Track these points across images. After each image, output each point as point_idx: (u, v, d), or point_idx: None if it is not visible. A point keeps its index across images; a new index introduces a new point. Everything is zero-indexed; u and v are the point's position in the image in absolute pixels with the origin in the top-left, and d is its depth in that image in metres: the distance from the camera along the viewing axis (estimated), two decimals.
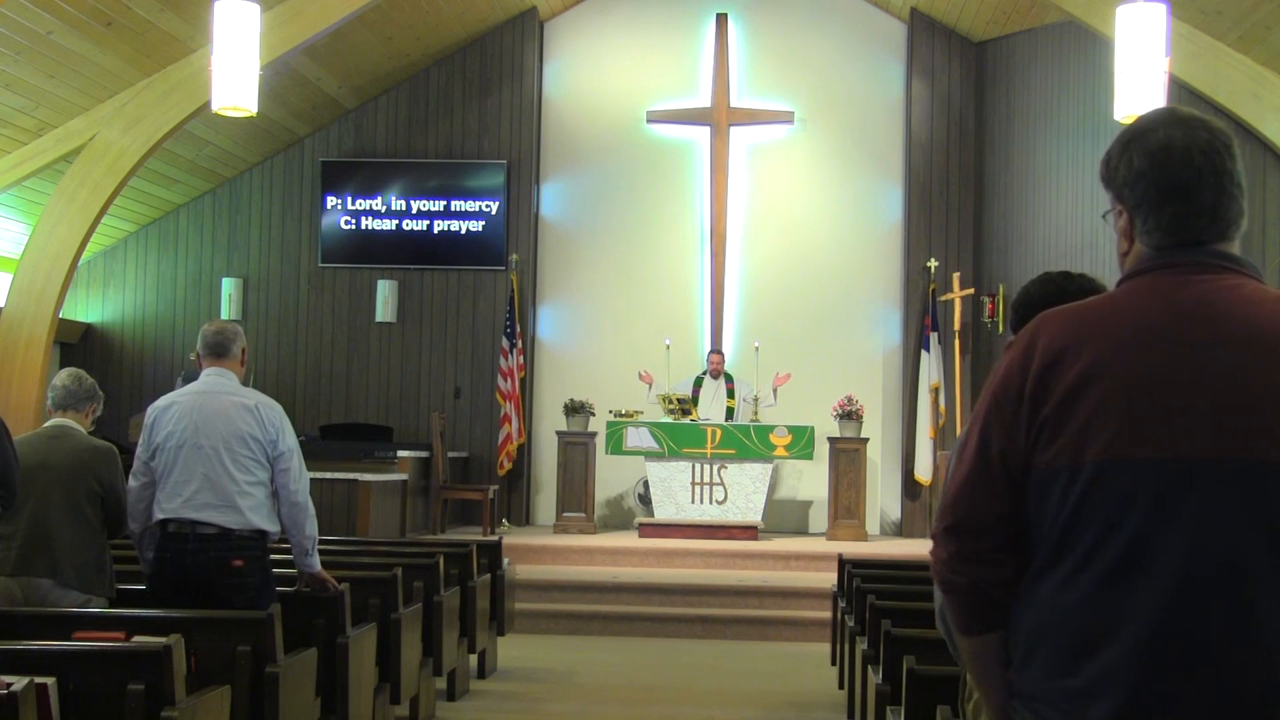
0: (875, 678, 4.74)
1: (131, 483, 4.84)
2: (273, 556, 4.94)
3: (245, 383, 5.03)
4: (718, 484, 11.58)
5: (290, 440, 4.85)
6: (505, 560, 8.07)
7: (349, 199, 13.07)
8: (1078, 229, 11.23)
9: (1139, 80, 7.98)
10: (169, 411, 4.83)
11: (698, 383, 12.03)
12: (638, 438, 11.61)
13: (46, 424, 5.03)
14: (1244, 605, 1.70)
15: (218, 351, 4.94)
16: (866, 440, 11.81)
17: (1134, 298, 1.86)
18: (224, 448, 4.73)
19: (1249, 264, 1.87)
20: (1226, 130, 1.90)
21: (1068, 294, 2.80)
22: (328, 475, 9.73)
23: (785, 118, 12.94)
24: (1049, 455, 1.80)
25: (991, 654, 1.90)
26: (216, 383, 4.88)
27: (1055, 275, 2.88)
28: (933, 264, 12.55)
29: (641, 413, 11.80)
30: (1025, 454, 1.83)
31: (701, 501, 11.57)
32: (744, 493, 11.57)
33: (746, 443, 11.53)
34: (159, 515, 4.74)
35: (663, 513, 11.58)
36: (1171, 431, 1.75)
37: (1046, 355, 1.83)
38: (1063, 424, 1.80)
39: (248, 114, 8.44)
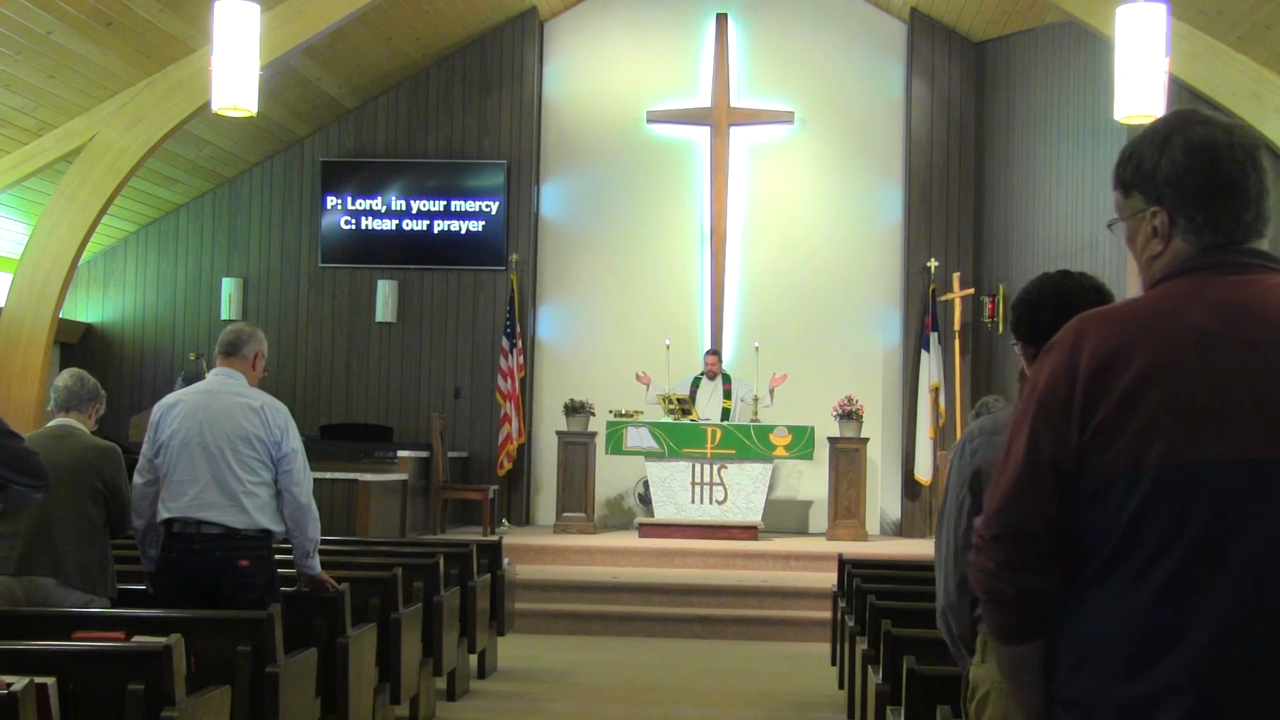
0: (875, 678, 4.73)
1: (136, 480, 4.84)
2: (276, 557, 4.94)
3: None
4: (718, 484, 11.58)
5: (294, 442, 4.85)
6: (505, 560, 8.07)
7: (349, 199, 13.07)
8: (1078, 229, 11.23)
9: (1139, 80, 7.98)
10: (174, 410, 4.83)
11: (695, 383, 12.02)
12: (638, 438, 11.61)
13: (50, 424, 5.03)
14: None
15: (228, 350, 4.94)
16: (866, 440, 11.81)
17: (1181, 298, 1.81)
18: (229, 447, 4.72)
19: None
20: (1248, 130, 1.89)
21: (1067, 291, 2.80)
22: (328, 475, 9.73)
23: (785, 118, 12.94)
24: (1105, 460, 1.75)
25: (1033, 662, 1.85)
26: (224, 383, 4.88)
27: (1053, 274, 2.87)
28: (933, 264, 12.55)
29: (641, 413, 11.79)
30: (1077, 459, 1.78)
31: (701, 501, 11.56)
32: (744, 493, 11.56)
33: (746, 443, 11.52)
34: (164, 514, 4.74)
35: (663, 513, 11.58)
36: (1237, 433, 1.71)
37: (1097, 357, 1.77)
38: (1120, 427, 1.74)
39: (248, 114, 8.43)
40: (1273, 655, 1.67)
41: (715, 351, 12.26)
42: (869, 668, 5.06)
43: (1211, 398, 1.72)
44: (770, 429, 11.54)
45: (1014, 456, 1.84)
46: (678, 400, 11.69)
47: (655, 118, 13.02)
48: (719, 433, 11.55)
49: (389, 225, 13.05)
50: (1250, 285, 1.80)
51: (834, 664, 7.23)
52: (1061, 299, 2.79)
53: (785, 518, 12.62)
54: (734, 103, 12.94)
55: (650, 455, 11.61)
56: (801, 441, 11.54)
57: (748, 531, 11.34)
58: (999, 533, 1.83)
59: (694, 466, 11.57)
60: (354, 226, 13.07)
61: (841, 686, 6.70)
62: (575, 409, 11.90)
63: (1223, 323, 1.77)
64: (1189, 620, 1.69)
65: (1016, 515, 1.82)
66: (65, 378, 5.03)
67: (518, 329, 12.52)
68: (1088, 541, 1.78)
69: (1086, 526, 1.78)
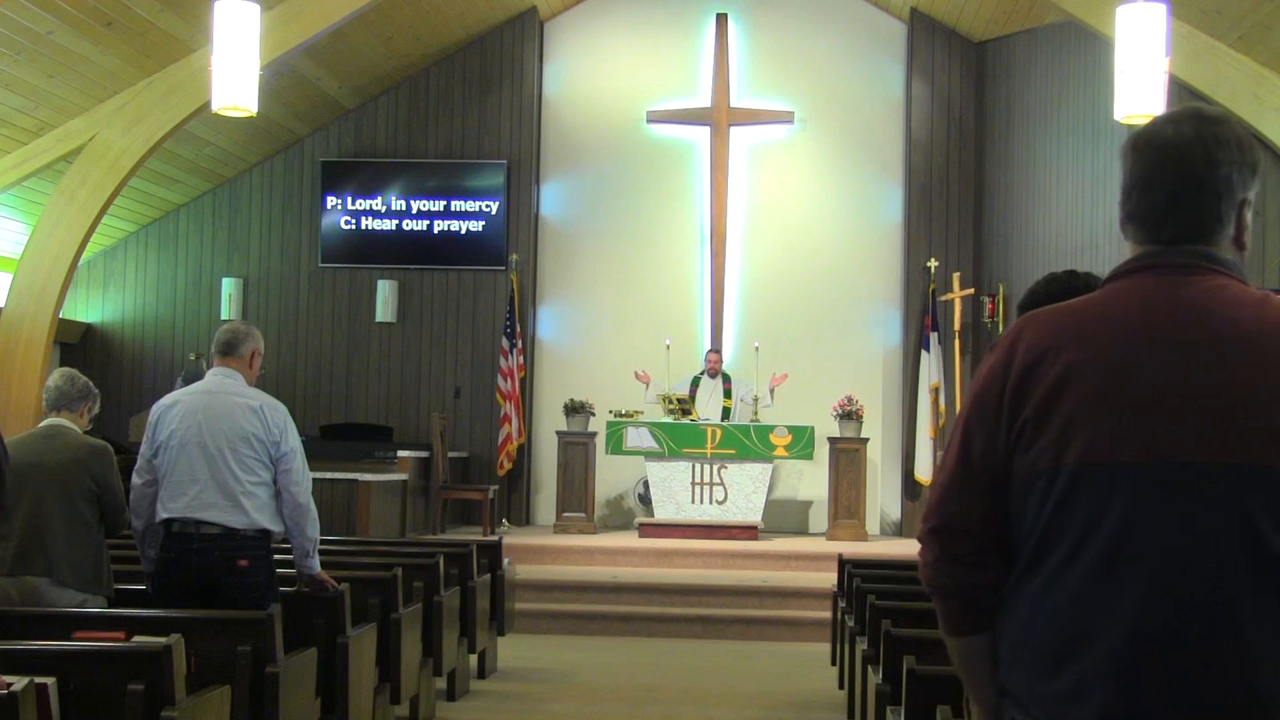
0: (875, 678, 4.73)
1: (135, 480, 4.83)
2: (275, 557, 4.94)
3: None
4: (718, 484, 11.58)
5: (293, 441, 4.85)
6: (505, 560, 8.07)
7: (349, 199, 13.07)
8: (1078, 229, 11.23)
9: (1139, 80, 7.98)
10: (173, 410, 4.83)
11: (695, 382, 12.02)
12: (638, 438, 11.61)
13: (41, 424, 5.03)
14: (1225, 608, 1.68)
15: (225, 350, 4.93)
16: (866, 440, 11.81)
17: (1117, 298, 1.85)
18: (228, 447, 4.72)
19: (1232, 264, 1.84)
20: (1227, 125, 1.85)
21: (1073, 292, 2.77)
22: (328, 475, 9.73)
23: (785, 118, 12.94)
24: (1029, 458, 1.79)
25: (980, 655, 1.89)
26: (222, 383, 4.87)
27: (1060, 275, 2.86)
28: (933, 264, 12.55)
29: (641, 413, 11.79)
30: (1006, 457, 1.82)
31: (701, 501, 11.56)
32: (744, 493, 11.56)
33: (746, 443, 11.52)
34: (162, 514, 4.74)
35: (663, 513, 11.57)
36: (1151, 434, 1.72)
37: (1028, 356, 1.81)
38: (1042, 427, 1.78)
39: (248, 114, 8.43)
40: (1185, 653, 1.69)
41: (716, 350, 12.29)
42: (869, 668, 5.06)
43: (1132, 398, 1.74)
44: (770, 429, 11.54)
45: (951, 452, 1.89)
46: (678, 400, 11.69)
47: (655, 118, 13.02)
48: (719, 433, 11.55)
49: (389, 225, 13.05)
50: (1193, 286, 1.81)
51: (834, 664, 7.23)
52: (1067, 299, 2.78)
53: (785, 518, 12.62)
54: (734, 103, 12.94)
55: (650, 455, 11.61)
56: (801, 441, 11.54)
57: (748, 531, 11.34)
58: (935, 526, 1.88)
59: (694, 466, 11.57)
60: (354, 226, 13.07)
61: (841, 686, 6.71)
62: (575, 409, 11.90)
63: (1157, 323, 1.78)
64: (1104, 617, 1.72)
65: (952, 510, 1.87)
66: (55, 377, 5.03)
67: (518, 329, 12.52)
68: (1017, 539, 1.82)
69: (1015, 524, 1.82)
